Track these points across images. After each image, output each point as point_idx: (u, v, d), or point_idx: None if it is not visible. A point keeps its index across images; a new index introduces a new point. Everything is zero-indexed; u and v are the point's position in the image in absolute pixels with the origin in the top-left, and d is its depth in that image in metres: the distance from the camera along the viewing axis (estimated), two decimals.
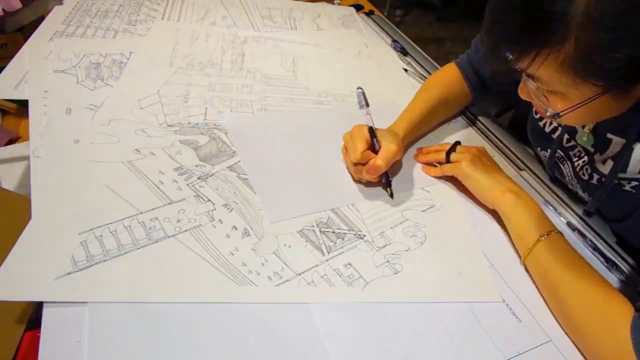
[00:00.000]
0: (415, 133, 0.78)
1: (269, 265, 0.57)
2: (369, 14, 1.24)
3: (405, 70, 1.01)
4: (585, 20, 0.41)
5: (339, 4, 1.28)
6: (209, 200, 0.64)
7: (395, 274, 0.58)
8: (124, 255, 0.56)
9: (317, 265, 0.58)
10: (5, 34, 0.98)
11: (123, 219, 0.60)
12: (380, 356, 0.51)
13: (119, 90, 0.81)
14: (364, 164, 0.66)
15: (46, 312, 0.50)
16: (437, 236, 0.63)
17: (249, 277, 0.56)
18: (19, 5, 0.95)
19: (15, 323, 0.53)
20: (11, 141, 0.80)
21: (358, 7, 1.25)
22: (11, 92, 0.78)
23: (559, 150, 0.69)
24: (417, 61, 1.03)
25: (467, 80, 0.84)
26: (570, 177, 0.70)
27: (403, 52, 1.06)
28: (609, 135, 0.60)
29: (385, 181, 0.68)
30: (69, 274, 0.53)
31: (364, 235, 0.62)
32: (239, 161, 0.71)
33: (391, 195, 0.68)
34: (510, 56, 0.47)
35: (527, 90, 0.54)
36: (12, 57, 0.85)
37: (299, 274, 0.57)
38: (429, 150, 0.77)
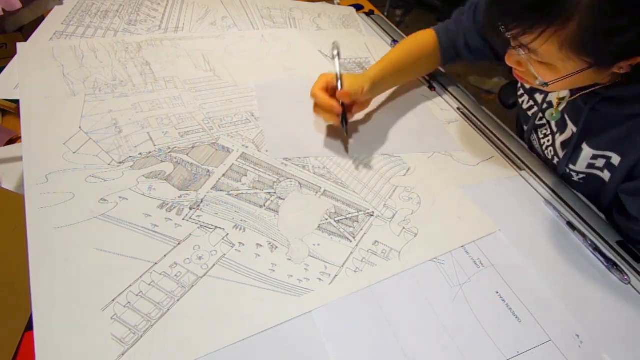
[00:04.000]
0: (386, 79, 0.81)
1: (312, 269, 0.58)
2: (369, 14, 1.25)
3: None
4: (589, 5, 0.44)
5: (339, 4, 1.27)
6: (216, 227, 0.62)
7: (415, 236, 0.64)
8: (167, 312, 0.52)
9: (352, 253, 0.61)
10: (5, 34, 1.01)
11: (140, 276, 0.55)
12: (381, 356, 0.51)
13: (31, 140, 0.69)
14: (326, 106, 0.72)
15: None
16: (427, 193, 0.71)
17: (301, 285, 0.56)
18: (19, 5, 0.97)
19: (15, 323, 0.51)
20: (11, 141, 0.80)
21: (358, 7, 1.26)
22: (11, 92, 0.78)
23: (532, 130, 0.77)
24: None
25: (441, 47, 0.87)
26: (541, 151, 0.79)
27: None
28: (566, 118, 0.68)
29: (342, 119, 0.74)
30: (123, 354, 0.48)
31: (373, 212, 0.67)
32: (219, 179, 0.68)
33: (346, 132, 0.76)
34: (511, 31, 0.49)
35: (515, 59, 0.58)
36: (12, 57, 0.85)
37: (342, 266, 0.59)
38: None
